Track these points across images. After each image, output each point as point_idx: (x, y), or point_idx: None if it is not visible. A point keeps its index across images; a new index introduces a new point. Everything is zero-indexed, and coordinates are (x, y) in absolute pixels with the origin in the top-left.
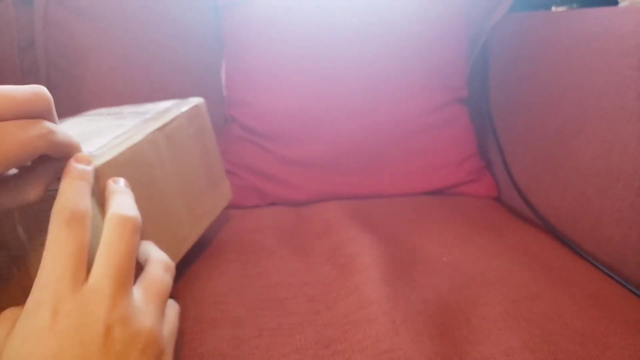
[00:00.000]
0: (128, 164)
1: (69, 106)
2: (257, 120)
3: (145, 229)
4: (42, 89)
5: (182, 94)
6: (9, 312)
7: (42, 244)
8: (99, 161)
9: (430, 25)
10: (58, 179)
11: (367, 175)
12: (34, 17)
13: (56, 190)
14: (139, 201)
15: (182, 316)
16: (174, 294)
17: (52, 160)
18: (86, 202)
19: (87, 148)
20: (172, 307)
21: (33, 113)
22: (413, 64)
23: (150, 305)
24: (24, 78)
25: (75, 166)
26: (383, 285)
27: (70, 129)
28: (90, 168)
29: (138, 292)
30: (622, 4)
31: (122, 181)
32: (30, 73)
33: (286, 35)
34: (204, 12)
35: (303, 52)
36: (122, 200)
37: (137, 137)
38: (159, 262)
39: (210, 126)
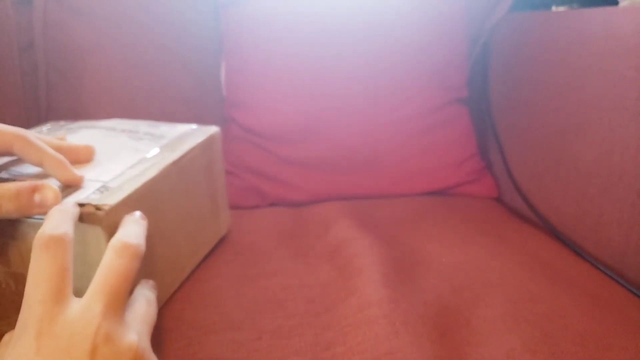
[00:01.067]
0: (140, 200)
1: (68, 107)
2: (256, 120)
3: (147, 261)
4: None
5: (181, 95)
6: (7, 337)
7: None
8: (113, 199)
9: (430, 26)
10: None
11: (367, 175)
12: (33, 18)
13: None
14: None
15: (180, 320)
16: (172, 296)
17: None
18: (65, 227)
19: (101, 175)
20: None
21: None
22: (413, 64)
23: (139, 325)
24: (23, 79)
25: (63, 203)
26: (383, 287)
27: (83, 141)
28: (73, 208)
29: (128, 314)
30: (622, 4)
31: (138, 213)
32: (29, 74)
33: (285, 35)
34: (203, 13)
35: (302, 52)
36: (130, 229)
37: (152, 172)
38: (143, 295)
39: (222, 156)
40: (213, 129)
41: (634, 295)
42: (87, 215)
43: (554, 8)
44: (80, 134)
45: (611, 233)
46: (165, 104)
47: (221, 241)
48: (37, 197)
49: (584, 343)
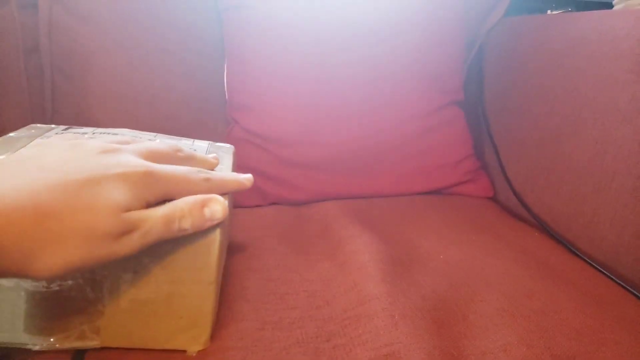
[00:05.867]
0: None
1: (73, 109)
2: (258, 122)
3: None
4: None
5: (184, 97)
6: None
7: (127, 271)
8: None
9: (427, 30)
10: None
11: (366, 176)
12: (38, 21)
13: None
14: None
15: None
16: None
17: None
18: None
19: None
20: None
21: None
22: (411, 68)
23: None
24: (29, 81)
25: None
26: (382, 282)
27: None
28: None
29: None
30: (616, 7)
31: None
32: (35, 76)
33: (287, 39)
34: (206, 16)
35: (303, 56)
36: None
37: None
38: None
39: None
40: (231, 147)
41: (627, 292)
42: None
43: (549, 12)
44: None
45: (604, 232)
46: (168, 106)
47: None
48: (207, 212)
49: (579, 338)
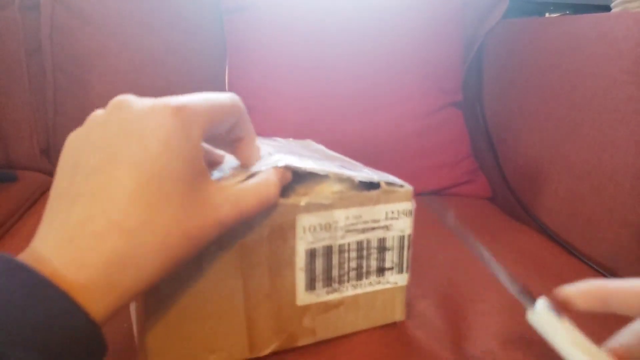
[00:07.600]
0: None
1: (75, 109)
2: (259, 122)
3: None
4: (235, 98)
5: None
6: None
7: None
8: None
9: (427, 31)
10: None
11: None
12: (40, 22)
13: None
14: None
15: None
16: None
17: None
18: None
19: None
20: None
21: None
22: (410, 69)
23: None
24: (31, 81)
25: None
26: None
27: None
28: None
29: None
30: (614, 11)
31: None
32: (37, 76)
33: (287, 41)
34: (209, 18)
35: (303, 58)
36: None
37: None
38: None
39: None
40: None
41: None
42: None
43: (547, 15)
44: None
45: (602, 232)
46: None
47: None
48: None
49: None
